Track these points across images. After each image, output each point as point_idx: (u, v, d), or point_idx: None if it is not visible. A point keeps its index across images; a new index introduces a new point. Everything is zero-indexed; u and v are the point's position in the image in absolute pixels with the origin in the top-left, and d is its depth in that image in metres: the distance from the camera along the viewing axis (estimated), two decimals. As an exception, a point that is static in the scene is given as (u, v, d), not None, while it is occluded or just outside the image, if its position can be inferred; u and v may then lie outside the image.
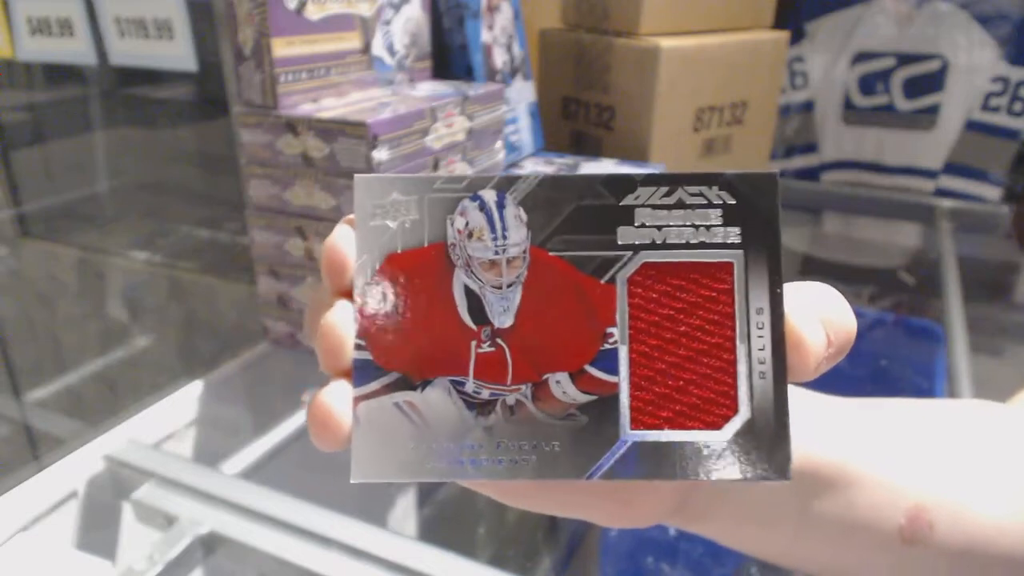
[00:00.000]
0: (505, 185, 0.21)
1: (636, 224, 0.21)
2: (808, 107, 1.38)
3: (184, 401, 0.69)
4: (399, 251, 0.21)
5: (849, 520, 0.28)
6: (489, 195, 0.21)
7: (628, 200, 0.21)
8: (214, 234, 1.41)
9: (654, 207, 0.21)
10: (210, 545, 0.53)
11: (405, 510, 0.78)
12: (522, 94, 0.91)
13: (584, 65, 0.98)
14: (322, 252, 0.21)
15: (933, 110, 1.30)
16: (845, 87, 1.35)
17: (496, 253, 0.21)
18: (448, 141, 0.70)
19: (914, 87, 1.30)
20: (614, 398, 0.21)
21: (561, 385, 0.21)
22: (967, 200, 1.30)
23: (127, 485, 0.58)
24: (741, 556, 0.72)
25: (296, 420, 0.67)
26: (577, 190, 0.21)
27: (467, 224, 0.21)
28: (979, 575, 0.29)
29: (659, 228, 0.21)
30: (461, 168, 0.73)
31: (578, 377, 0.21)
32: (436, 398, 0.21)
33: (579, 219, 0.21)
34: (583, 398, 0.21)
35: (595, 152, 0.98)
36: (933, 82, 1.29)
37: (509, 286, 0.21)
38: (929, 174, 1.33)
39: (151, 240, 1.44)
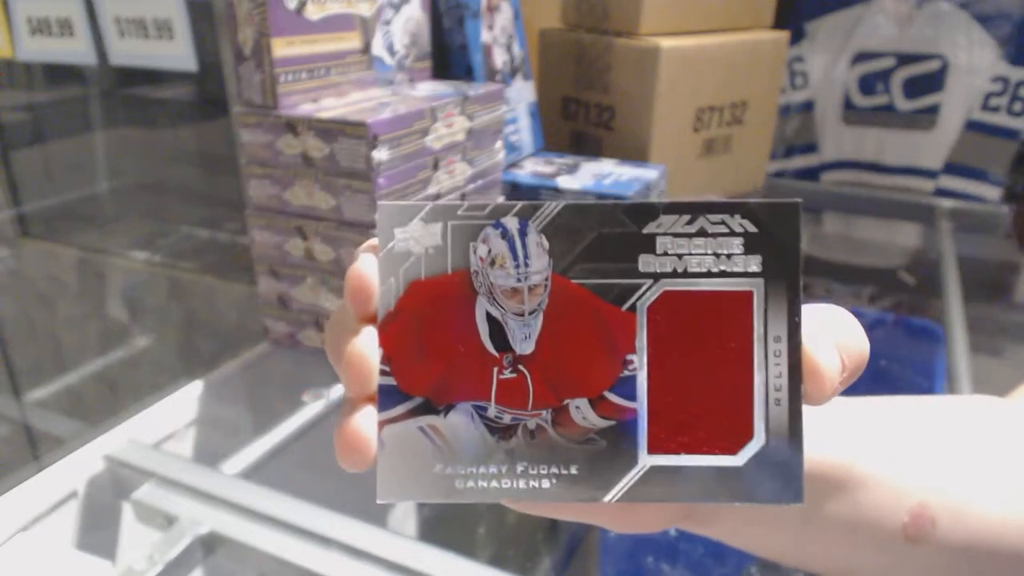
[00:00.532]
0: (527, 212, 0.21)
1: (658, 252, 0.21)
2: (808, 107, 1.38)
3: (184, 401, 0.69)
4: (422, 278, 0.21)
5: (853, 519, 0.28)
6: (511, 223, 0.21)
7: (650, 228, 0.21)
8: (214, 234, 1.41)
9: (676, 235, 0.21)
10: (210, 545, 0.53)
11: (405, 510, 0.78)
12: (522, 94, 0.91)
13: (584, 65, 0.98)
14: (346, 278, 0.21)
15: (933, 110, 1.30)
16: (845, 87, 1.35)
17: (518, 281, 0.21)
18: (448, 141, 0.70)
19: (914, 87, 1.30)
20: (632, 423, 0.21)
21: (581, 410, 0.21)
22: (967, 200, 1.30)
23: (127, 485, 0.58)
24: (742, 557, 0.72)
25: (296, 420, 0.67)
26: (599, 218, 0.21)
27: (489, 252, 0.21)
28: (982, 572, 0.29)
29: (680, 256, 0.21)
30: (461, 168, 0.73)
31: (597, 403, 0.21)
32: (459, 422, 0.21)
33: (601, 247, 0.21)
34: (602, 423, 0.21)
35: (595, 152, 0.98)
36: (933, 82, 1.29)
37: (531, 313, 0.21)
38: (929, 174, 1.33)
39: (151, 240, 1.44)
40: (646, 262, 0.21)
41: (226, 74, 1.09)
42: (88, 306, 1.43)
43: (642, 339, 0.21)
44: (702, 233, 0.21)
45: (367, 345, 0.21)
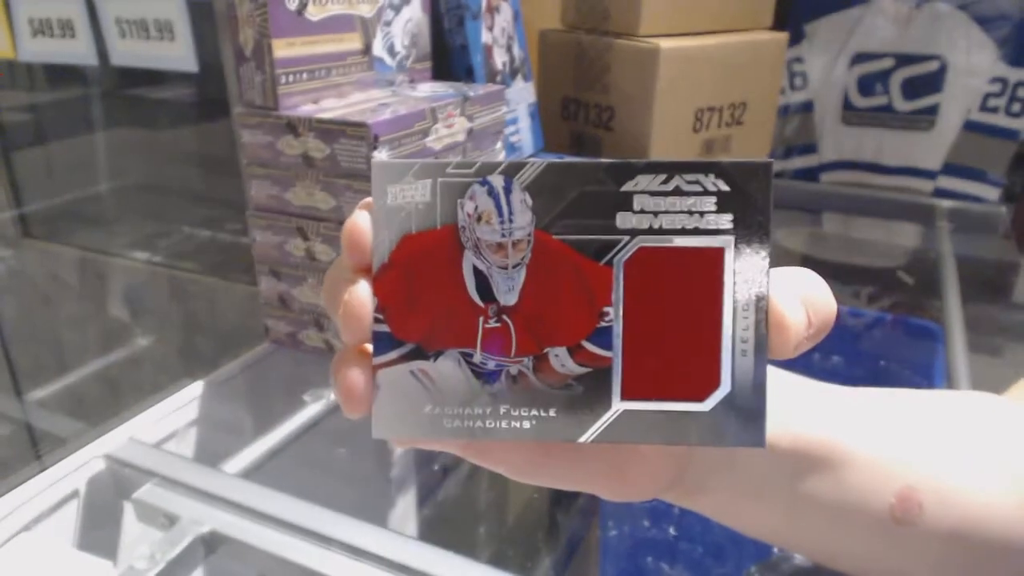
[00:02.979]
0: (512, 171, 0.22)
1: (635, 209, 0.22)
2: (807, 108, 1.39)
3: (185, 401, 0.69)
4: (413, 232, 0.22)
5: (840, 499, 0.28)
6: (497, 180, 0.22)
7: (628, 186, 0.22)
8: (215, 235, 1.42)
9: (652, 193, 0.22)
10: (211, 544, 0.53)
11: (405, 510, 0.78)
12: (522, 95, 0.92)
13: (584, 66, 0.98)
14: (342, 232, 0.23)
15: (932, 111, 1.30)
16: (844, 88, 1.35)
17: (502, 236, 0.22)
18: (448, 142, 0.71)
19: (913, 88, 1.30)
20: (608, 371, 0.22)
21: (560, 358, 0.23)
22: (966, 200, 1.30)
23: (128, 485, 0.58)
24: (741, 557, 0.72)
25: (297, 419, 0.68)
26: (581, 177, 0.22)
27: (476, 208, 0.22)
28: (969, 556, 0.29)
29: (656, 214, 0.22)
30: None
31: (575, 351, 0.22)
32: (447, 367, 0.23)
33: (581, 204, 0.22)
34: (579, 370, 0.22)
35: (595, 152, 0.98)
36: (932, 83, 1.29)
37: (514, 267, 0.22)
38: (928, 174, 1.33)
39: (152, 241, 1.44)
40: (623, 219, 0.22)
41: (227, 75, 1.09)
42: (90, 306, 1.43)
43: (618, 292, 0.22)
44: (677, 192, 0.22)
45: (363, 294, 0.22)
